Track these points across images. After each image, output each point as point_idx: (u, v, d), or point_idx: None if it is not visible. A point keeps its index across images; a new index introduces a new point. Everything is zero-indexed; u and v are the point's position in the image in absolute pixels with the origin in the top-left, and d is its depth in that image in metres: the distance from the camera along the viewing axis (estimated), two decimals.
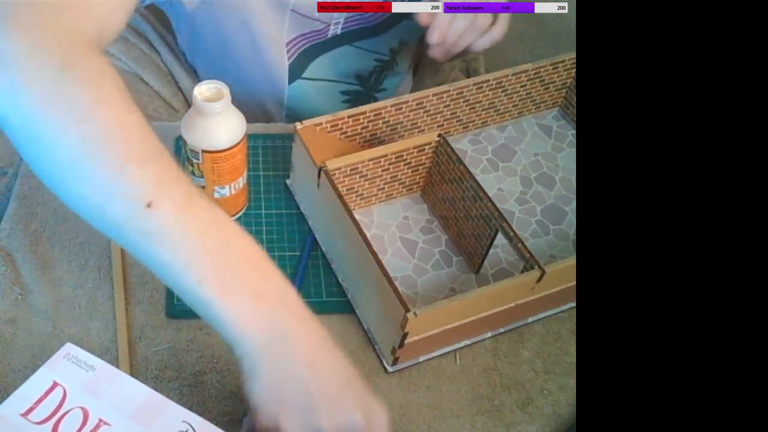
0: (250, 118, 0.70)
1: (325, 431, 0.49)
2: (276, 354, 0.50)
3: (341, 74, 0.92)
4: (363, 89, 0.95)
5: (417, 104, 0.76)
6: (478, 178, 0.69)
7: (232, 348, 0.51)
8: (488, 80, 0.78)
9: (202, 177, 0.68)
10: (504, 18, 0.75)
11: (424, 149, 0.72)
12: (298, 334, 0.51)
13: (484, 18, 0.73)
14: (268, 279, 0.52)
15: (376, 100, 0.95)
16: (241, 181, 0.71)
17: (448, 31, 0.72)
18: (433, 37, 0.72)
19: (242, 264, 0.51)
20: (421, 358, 0.67)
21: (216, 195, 0.70)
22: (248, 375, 0.50)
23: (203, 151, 0.66)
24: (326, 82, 0.91)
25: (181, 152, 0.76)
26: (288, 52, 0.85)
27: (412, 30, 0.89)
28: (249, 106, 0.91)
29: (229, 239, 0.51)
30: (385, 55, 0.92)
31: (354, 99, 0.95)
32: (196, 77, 0.96)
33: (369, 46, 0.89)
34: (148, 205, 0.49)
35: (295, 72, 0.88)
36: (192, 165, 0.68)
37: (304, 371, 0.50)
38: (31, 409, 0.54)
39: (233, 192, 0.71)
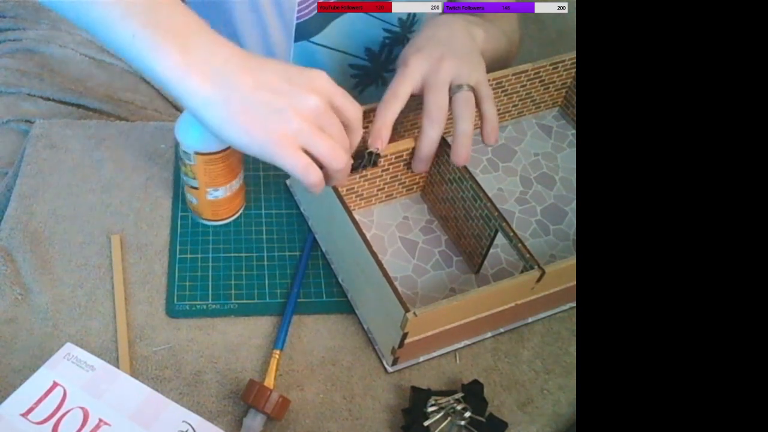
0: None
1: (296, 123, 0.56)
2: (220, 86, 0.55)
3: (351, 46, 0.91)
4: (372, 66, 0.94)
5: (417, 104, 0.76)
6: (478, 178, 0.69)
7: (177, 98, 0.55)
8: (488, 80, 0.78)
9: (195, 179, 0.68)
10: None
11: None
12: (233, 66, 0.55)
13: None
14: (195, 30, 0.55)
15: (384, 79, 0.95)
16: (236, 183, 0.71)
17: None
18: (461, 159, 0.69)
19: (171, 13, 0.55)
20: (421, 358, 0.67)
21: (209, 197, 0.70)
22: (200, 114, 0.55)
23: (195, 153, 0.65)
24: (335, 51, 0.90)
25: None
26: (299, 12, 0.84)
27: (420, 4, 0.88)
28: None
29: None
30: (395, 26, 0.91)
31: (363, 75, 0.94)
32: None
33: (377, 13, 0.89)
34: None
35: (303, 33, 0.87)
36: (185, 166, 0.67)
37: (251, 91, 0.55)
38: (31, 409, 0.55)
39: (228, 194, 0.71)
